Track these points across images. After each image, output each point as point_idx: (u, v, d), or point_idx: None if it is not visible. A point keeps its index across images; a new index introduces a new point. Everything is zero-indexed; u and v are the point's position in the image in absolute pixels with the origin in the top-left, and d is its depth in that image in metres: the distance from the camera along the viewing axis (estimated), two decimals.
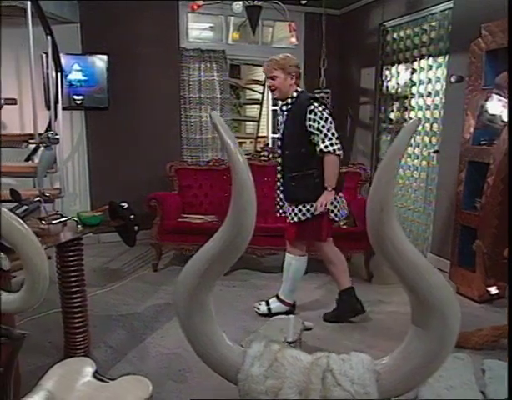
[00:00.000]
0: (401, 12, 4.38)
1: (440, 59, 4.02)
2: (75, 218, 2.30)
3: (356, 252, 3.86)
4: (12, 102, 3.32)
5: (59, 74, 3.40)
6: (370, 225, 0.72)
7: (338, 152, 2.69)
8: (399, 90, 4.63)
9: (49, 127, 3.32)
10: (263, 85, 6.61)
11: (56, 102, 3.37)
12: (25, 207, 2.09)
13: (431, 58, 4.15)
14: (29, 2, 2.96)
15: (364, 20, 4.94)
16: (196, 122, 4.98)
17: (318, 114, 2.70)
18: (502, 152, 2.51)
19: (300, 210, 2.84)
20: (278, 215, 3.07)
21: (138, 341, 2.77)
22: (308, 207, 2.82)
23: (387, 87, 4.81)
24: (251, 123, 7.48)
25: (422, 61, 4.27)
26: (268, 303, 3.10)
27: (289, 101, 2.85)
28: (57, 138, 2.53)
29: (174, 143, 4.94)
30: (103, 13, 4.41)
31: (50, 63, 3.33)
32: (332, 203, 2.81)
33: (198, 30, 5.30)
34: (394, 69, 4.69)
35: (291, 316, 2.38)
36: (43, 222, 2.19)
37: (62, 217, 2.33)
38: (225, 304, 3.23)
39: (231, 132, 0.76)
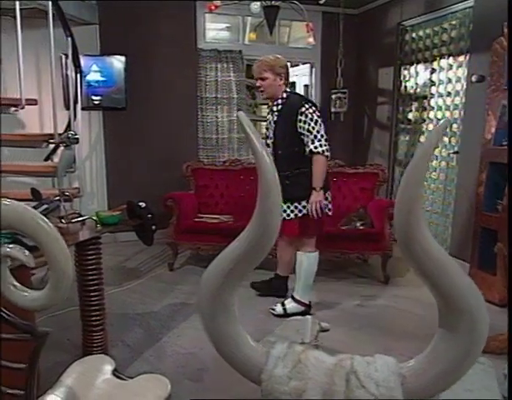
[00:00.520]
0: (420, 11, 4.31)
1: (461, 58, 3.95)
2: (94, 217, 2.32)
3: (373, 253, 3.81)
4: (33, 102, 3.37)
5: (79, 75, 3.44)
6: (398, 227, 0.71)
7: (326, 154, 2.80)
8: (418, 90, 4.56)
9: (68, 127, 3.37)
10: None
11: (75, 102, 3.41)
12: (45, 206, 2.12)
13: (451, 57, 4.08)
14: (50, 4, 3.01)
15: (382, 19, 4.88)
16: (212, 123, 4.99)
17: (309, 116, 2.78)
18: None
19: (296, 207, 2.90)
20: None
21: (154, 340, 2.78)
22: (303, 203, 2.89)
23: (405, 86, 4.75)
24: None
25: (442, 60, 4.20)
26: (283, 304, 3.09)
27: (280, 101, 2.92)
28: (77, 138, 2.56)
29: (191, 143, 4.95)
30: (122, 14, 4.45)
31: (69, 64, 3.37)
32: (326, 199, 2.95)
33: (214, 30, 5.32)
34: (412, 69, 4.62)
35: (308, 316, 2.36)
36: (63, 220, 2.22)
37: (81, 216, 2.36)
38: (241, 305, 3.20)
39: (258, 133, 0.75)
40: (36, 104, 3.41)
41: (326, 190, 2.94)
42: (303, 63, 5.66)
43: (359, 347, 2.68)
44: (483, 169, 3.35)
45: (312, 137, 2.77)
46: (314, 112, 2.81)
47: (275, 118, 2.94)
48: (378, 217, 3.77)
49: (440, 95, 4.25)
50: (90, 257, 2.27)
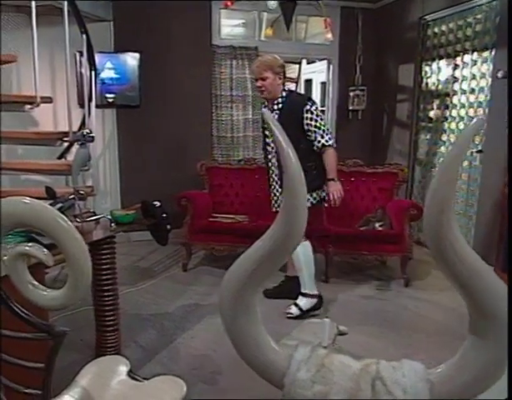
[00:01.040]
0: (443, 4, 4.18)
1: (486, 54, 3.81)
2: (109, 216, 2.27)
3: (392, 255, 3.72)
4: (49, 100, 3.34)
5: (93, 72, 3.40)
6: (428, 228, 0.68)
7: (334, 145, 2.97)
8: (440, 87, 4.42)
9: (83, 125, 3.33)
10: (296, 82, 6.51)
11: (90, 100, 3.38)
12: (60, 205, 2.09)
13: (475, 53, 3.93)
14: (66, 2, 2.97)
15: (402, 14, 4.75)
16: (227, 121, 4.93)
17: (315, 112, 2.91)
18: None
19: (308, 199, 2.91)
20: (274, 210, 3.14)
21: (168, 341, 2.74)
22: (307, 196, 2.83)
23: (426, 83, 4.61)
24: None
25: (465, 56, 4.06)
26: (296, 304, 3.07)
27: (280, 100, 2.98)
28: (93, 136, 2.52)
29: (205, 142, 4.90)
30: (136, 11, 4.42)
31: (84, 62, 3.34)
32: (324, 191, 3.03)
33: (229, 27, 5.25)
34: (434, 65, 4.48)
35: (326, 319, 2.30)
36: (77, 219, 2.18)
37: (95, 214, 2.32)
38: None
39: (283, 131, 0.72)
40: (51, 102, 3.37)
41: (325, 183, 3.00)
42: (320, 60, 5.56)
43: (378, 351, 2.60)
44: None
45: (321, 132, 2.90)
46: (317, 108, 2.96)
47: (276, 117, 2.93)
48: (397, 217, 3.67)
49: (463, 92, 4.10)
50: (104, 257, 2.24)
